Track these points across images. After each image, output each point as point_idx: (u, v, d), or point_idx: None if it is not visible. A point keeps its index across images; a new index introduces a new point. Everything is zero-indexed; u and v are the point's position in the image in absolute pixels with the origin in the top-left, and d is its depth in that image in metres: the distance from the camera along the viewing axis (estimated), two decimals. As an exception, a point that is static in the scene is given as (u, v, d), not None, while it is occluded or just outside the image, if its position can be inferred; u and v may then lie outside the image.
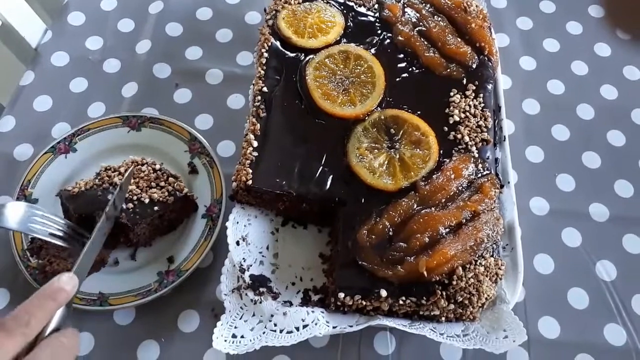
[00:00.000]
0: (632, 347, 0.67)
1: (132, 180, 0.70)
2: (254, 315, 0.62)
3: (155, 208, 0.69)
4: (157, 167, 0.73)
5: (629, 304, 0.70)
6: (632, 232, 0.74)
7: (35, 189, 0.74)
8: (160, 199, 0.70)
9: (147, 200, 0.69)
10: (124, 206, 0.68)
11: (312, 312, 0.62)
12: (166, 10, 0.94)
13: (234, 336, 0.60)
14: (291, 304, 0.64)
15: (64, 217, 0.69)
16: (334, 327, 0.60)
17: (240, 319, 0.61)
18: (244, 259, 0.65)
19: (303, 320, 0.60)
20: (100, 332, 0.68)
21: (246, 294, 0.63)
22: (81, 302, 0.67)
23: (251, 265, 0.66)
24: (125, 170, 0.71)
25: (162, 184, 0.71)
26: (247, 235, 0.67)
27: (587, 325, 0.68)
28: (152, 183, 0.71)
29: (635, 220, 0.75)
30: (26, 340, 0.45)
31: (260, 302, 0.62)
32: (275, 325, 0.61)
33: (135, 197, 0.69)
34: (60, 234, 0.65)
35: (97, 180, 0.71)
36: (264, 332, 0.60)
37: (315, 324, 0.60)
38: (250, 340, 0.59)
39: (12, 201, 0.72)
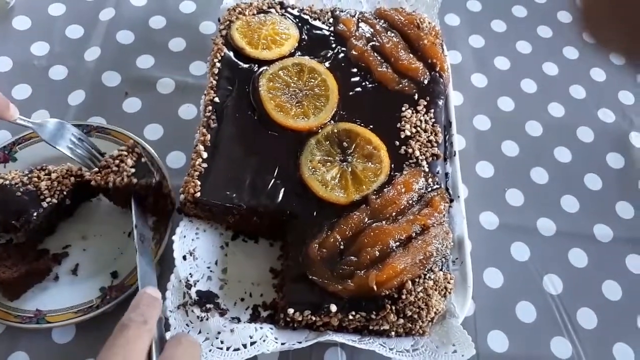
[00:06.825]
0: (577, 360, 0.68)
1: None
2: (200, 332, 0.60)
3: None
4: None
5: (575, 317, 0.71)
6: (577, 246, 0.76)
7: (-30, 200, 0.70)
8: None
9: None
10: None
11: (261, 328, 0.60)
12: (118, 18, 0.91)
13: (178, 354, 0.58)
14: (239, 321, 0.63)
15: None
16: (282, 344, 0.59)
17: (185, 336, 0.59)
18: (190, 274, 0.63)
19: (251, 337, 0.59)
20: (37, 352, 0.65)
21: (192, 311, 0.61)
22: (16, 320, 0.63)
23: (198, 281, 0.64)
24: (57, 177, 0.68)
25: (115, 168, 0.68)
26: (195, 250, 0.65)
27: (535, 339, 0.70)
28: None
29: (580, 235, 0.77)
30: (151, 336, 0.49)
31: (207, 319, 0.61)
32: (222, 342, 0.59)
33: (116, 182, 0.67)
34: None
35: (25, 177, 0.67)
36: (210, 350, 0.58)
37: (264, 341, 0.59)
38: (196, 359, 0.57)
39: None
